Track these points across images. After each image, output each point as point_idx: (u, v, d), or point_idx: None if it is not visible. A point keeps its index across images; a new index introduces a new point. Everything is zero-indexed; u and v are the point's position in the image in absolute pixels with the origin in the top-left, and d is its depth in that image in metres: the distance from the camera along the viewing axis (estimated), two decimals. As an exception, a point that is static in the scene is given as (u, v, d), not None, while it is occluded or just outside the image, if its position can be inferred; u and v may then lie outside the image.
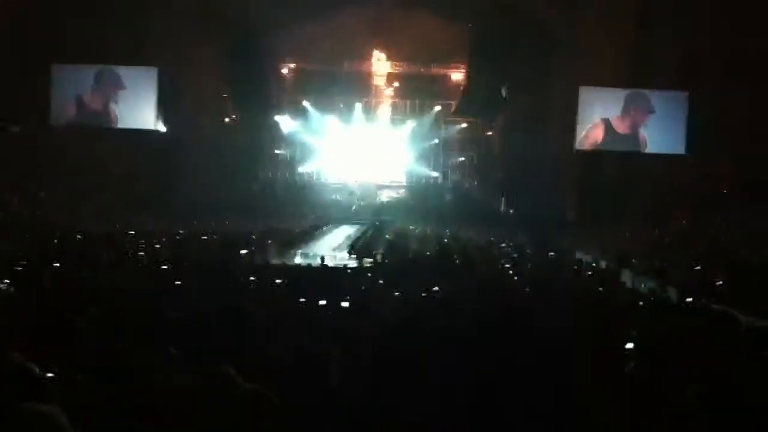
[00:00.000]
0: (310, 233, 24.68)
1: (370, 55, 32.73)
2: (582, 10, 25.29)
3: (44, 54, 27.12)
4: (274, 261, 15.18)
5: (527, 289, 8.77)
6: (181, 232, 20.92)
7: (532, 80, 28.04)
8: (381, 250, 18.36)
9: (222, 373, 3.21)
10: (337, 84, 32.81)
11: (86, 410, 2.76)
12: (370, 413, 3.88)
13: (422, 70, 33.27)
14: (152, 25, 26.40)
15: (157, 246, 16.24)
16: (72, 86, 29.58)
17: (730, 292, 10.03)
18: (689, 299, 8.23)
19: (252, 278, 9.65)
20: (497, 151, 32.75)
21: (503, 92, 30.82)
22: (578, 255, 16.73)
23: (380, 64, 33.63)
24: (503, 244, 19.91)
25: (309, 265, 12.70)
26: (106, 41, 26.69)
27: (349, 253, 19.28)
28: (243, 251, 16.32)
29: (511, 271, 12.14)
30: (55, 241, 15.74)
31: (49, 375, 2.76)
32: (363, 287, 9.04)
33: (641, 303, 7.91)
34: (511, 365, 3.96)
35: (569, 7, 25.26)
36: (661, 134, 28.38)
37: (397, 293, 8.05)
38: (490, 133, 33.73)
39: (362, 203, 33.03)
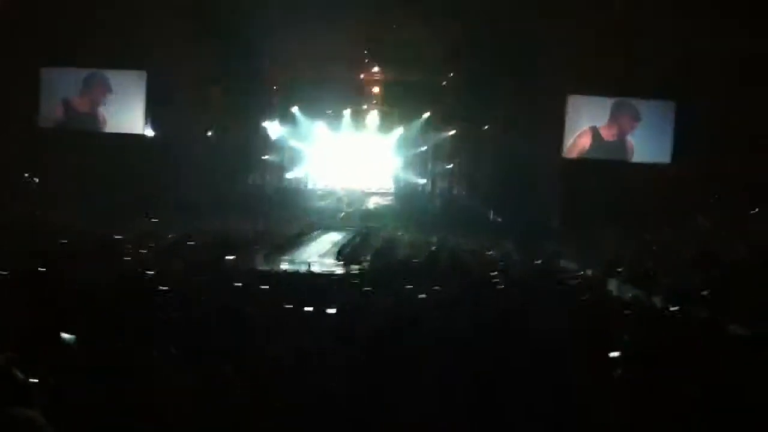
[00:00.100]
0: (298, 239, 24.63)
1: (359, 62, 32.68)
2: (570, 19, 25.39)
3: (33, 57, 27.05)
4: (261, 267, 15.14)
5: (515, 297, 8.78)
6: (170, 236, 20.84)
7: (520, 88, 28.14)
8: (368, 257, 18.37)
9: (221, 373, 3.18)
10: (326, 90, 32.74)
11: (82, 411, 2.72)
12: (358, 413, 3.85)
13: (411, 77, 33.26)
14: (142, 29, 26.29)
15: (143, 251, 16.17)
16: (60, 90, 29.47)
17: (716, 299, 10.07)
18: (676, 307, 8.26)
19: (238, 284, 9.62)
20: (485, 158, 32.78)
21: (491, 100, 30.90)
22: (565, 263, 16.79)
23: (369, 71, 33.61)
24: (490, 252, 19.96)
25: (296, 271, 12.68)
26: (95, 45, 26.62)
27: (337, 259, 19.27)
28: (229, 257, 16.26)
29: (497, 279, 12.16)
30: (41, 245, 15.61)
31: (33, 381, 2.72)
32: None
33: (627, 312, 7.93)
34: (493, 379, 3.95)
35: (558, 16, 25.36)
36: (647, 143, 28.58)
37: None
38: (477, 141, 33.76)
39: (350, 210, 32.98)
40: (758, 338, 4.52)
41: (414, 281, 9.25)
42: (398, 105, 34.60)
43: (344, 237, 25.97)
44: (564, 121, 28.54)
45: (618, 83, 27.58)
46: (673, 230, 22.73)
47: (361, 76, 33.70)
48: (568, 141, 28.71)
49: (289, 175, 34.89)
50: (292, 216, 29.89)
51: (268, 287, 9.25)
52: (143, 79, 29.32)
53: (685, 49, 23.94)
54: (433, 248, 21.16)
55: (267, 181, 34.93)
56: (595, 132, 28.67)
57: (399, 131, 34.30)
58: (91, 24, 25.29)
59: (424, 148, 34.81)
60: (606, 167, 28.83)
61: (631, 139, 28.65)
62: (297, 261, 18.67)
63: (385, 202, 34.52)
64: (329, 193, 34.26)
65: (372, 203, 34.27)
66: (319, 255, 21.44)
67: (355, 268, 15.80)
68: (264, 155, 34.69)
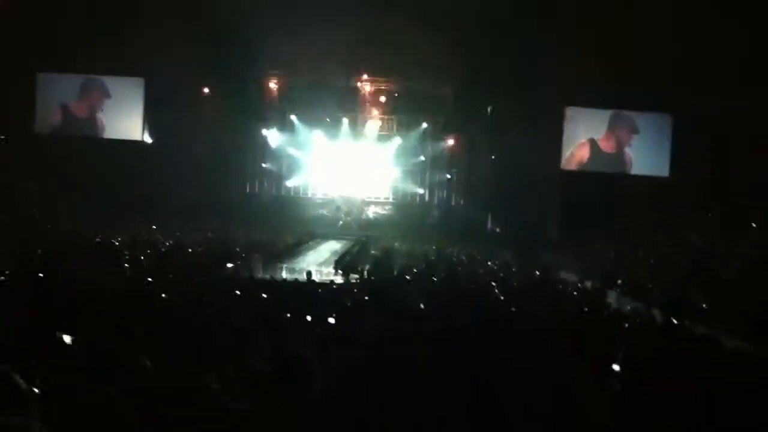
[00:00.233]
0: (296, 248, 24.64)
1: (358, 71, 32.78)
2: (568, 30, 25.49)
3: (30, 63, 27.11)
4: (260, 275, 15.15)
5: (512, 309, 8.79)
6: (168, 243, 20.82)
7: (518, 99, 28.21)
8: (367, 266, 18.37)
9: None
10: (324, 99, 32.82)
11: (81, 411, 2.74)
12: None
13: (409, 86, 33.35)
14: (139, 36, 26.36)
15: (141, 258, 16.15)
16: (58, 95, 29.51)
17: (714, 313, 10.12)
18: (674, 321, 8.28)
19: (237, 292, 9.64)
20: (483, 168, 32.86)
21: (489, 111, 31.02)
22: (564, 274, 16.81)
23: (367, 80, 33.69)
24: (489, 263, 19.96)
25: (296, 280, 12.70)
26: (92, 51, 26.67)
27: (335, 268, 19.28)
28: (228, 264, 16.28)
29: (497, 290, 12.17)
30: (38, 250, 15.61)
31: (35, 389, 2.75)
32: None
33: (626, 324, 7.94)
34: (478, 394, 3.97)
35: (555, 27, 25.45)
36: (645, 155, 28.65)
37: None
38: (476, 151, 33.83)
39: (348, 218, 33.02)
40: (755, 351, 4.57)
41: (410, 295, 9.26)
42: (397, 114, 34.74)
43: (343, 246, 25.98)
44: (562, 132, 28.62)
45: (615, 94, 27.60)
46: (671, 243, 22.75)
47: (360, 85, 33.80)
48: (567, 152, 28.79)
49: (288, 183, 34.93)
50: (290, 224, 29.92)
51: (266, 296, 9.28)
52: (141, 86, 29.44)
53: (681, 63, 24.02)
54: (432, 258, 21.17)
55: (265, 189, 34.99)
56: (593, 144, 28.74)
57: (397, 140, 34.40)
58: (88, 29, 25.34)
59: (422, 158, 34.92)
60: (604, 178, 28.89)
61: (630, 152, 28.73)
62: (296, 270, 18.71)
63: (384, 212, 34.58)
64: (328, 202, 34.32)
65: (370, 212, 34.32)
66: (317, 264, 21.46)
67: (353, 278, 15.82)
68: (263, 163, 34.75)
